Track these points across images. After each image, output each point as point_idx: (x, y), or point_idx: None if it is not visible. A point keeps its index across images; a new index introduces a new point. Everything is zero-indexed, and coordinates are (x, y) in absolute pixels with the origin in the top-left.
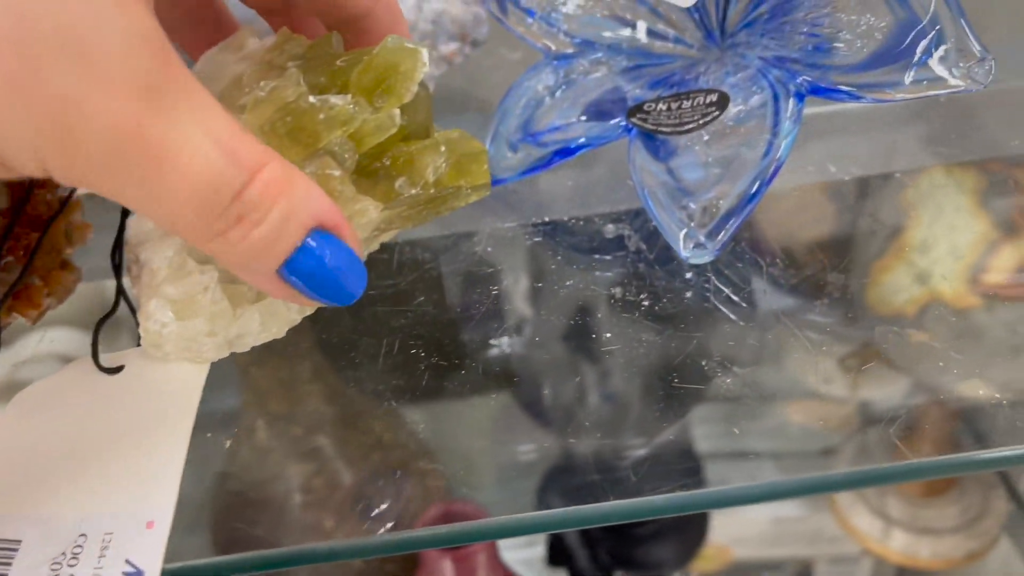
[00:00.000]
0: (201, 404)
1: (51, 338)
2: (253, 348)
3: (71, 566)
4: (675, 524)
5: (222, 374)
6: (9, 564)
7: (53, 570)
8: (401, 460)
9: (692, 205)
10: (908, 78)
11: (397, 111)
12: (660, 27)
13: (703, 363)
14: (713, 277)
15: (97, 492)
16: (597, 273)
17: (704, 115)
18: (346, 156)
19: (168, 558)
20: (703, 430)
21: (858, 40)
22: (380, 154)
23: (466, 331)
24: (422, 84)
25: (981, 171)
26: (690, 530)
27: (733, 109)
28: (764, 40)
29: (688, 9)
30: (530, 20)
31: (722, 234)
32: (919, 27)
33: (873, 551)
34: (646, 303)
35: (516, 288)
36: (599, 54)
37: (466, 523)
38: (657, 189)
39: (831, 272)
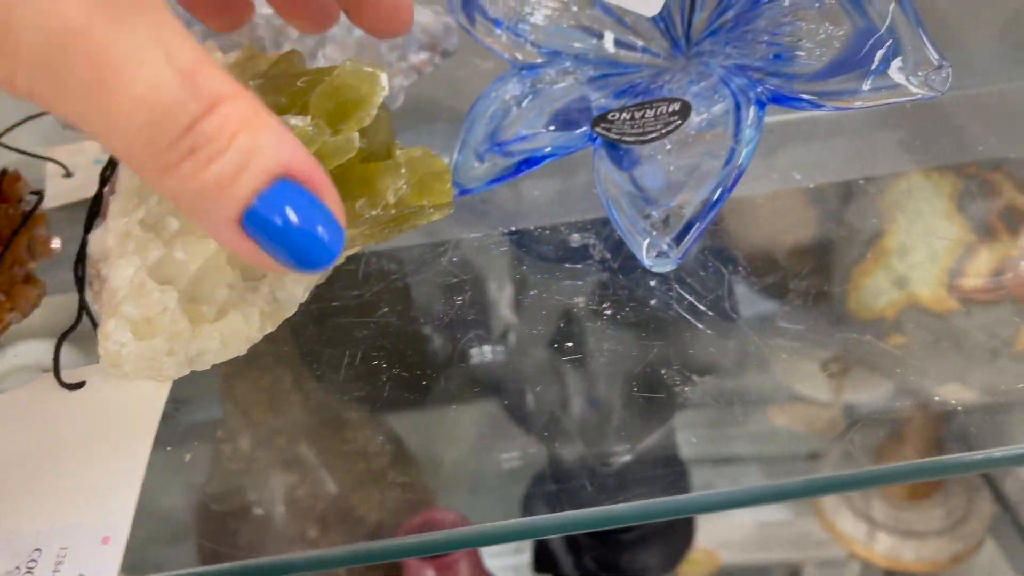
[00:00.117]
0: (173, 416)
1: (16, 352)
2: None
3: None
4: (661, 529)
5: (196, 387)
6: None
7: None
8: (379, 469)
9: (655, 214)
10: (866, 86)
11: (356, 134)
12: (627, 37)
13: (665, 371)
14: (677, 285)
15: (54, 507)
16: (564, 283)
17: (667, 124)
18: None
19: (150, 569)
20: (682, 436)
21: (817, 48)
22: (340, 175)
23: (431, 341)
24: (382, 105)
25: (958, 175)
26: (676, 535)
27: (696, 118)
28: (727, 48)
29: (653, 18)
30: (498, 31)
31: (685, 241)
32: (877, 35)
33: (858, 555)
34: (609, 312)
35: (483, 298)
36: (567, 64)
37: (446, 531)
38: (621, 198)
39: (809, 277)
